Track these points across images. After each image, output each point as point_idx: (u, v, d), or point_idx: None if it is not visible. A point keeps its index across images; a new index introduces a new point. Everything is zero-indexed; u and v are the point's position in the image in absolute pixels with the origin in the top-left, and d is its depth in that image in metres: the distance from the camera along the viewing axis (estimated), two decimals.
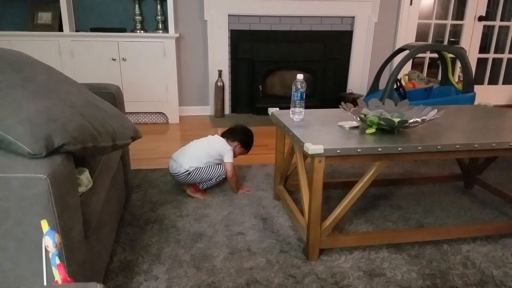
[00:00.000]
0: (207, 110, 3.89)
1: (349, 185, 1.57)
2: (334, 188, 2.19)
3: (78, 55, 3.27)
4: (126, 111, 2.01)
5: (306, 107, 1.79)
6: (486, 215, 1.98)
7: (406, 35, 4.02)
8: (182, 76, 3.74)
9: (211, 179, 2.11)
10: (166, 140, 3.13)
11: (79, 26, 3.46)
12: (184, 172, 2.06)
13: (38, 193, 0.88)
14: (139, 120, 3.56)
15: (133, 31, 3.43)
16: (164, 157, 2.72)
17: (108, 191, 1.48)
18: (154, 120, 3.61)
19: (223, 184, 2.26)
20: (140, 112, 3.53)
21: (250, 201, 2.07)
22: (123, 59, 3.32)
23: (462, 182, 2.32)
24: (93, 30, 3.34)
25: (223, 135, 2.24)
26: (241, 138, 2.22)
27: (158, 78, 3.45)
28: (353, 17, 3.87)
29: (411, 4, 3.95)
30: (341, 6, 3.78)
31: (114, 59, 3.31)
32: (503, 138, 1.58)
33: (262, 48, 3.83)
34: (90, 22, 3.46)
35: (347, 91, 4.05)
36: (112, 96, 1.80)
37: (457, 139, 1.55)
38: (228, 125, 3.56)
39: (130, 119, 3.44)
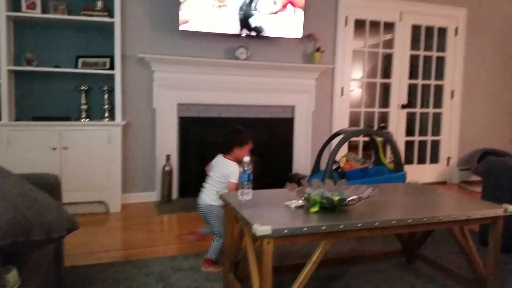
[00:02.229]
0: (153, 196, 3.82)
1: (301, 268, 1.58)
2: (287, 272, 2.17)
3: (16, 144, 3.15)
4: (64, 201, 1.92)
5: (256, 188, 1.85)
6: None
7: (341, 121, 4.38)
8: (128, 162, 3.71)
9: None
10: (105, 232, 2.97)
11: (21, 115, 3.39)
12: (206, 206, 2.21)
13: None
14: (78, 211, 3.39)
15: (77, 119, 3.43)
16: (103, 250, 2.57)
17: None
18: (94, 210, 3.44)
19: (169, 277, 2.16)
20: (79, 202, 3.38)
21: None
22: (64, 148, 3.25)
23: (403, 258, 2.41)
24: (34, 119, 3.29)
25: (224, 153, 2.28)
26: (233, 142, 2.24)
27: (101, 166, 3.38)
28: (293, 106, 4.19)
29: (342, 95, 4.38)
30: (282, 97, 4.12)
31: (54, 148, 3.23)
32: (434, 213, 1.72)
33: (211, 133, 3.97)
34: (33, 111, 3.41)
35: (293, 172, 4.21)
36: (49, 186, 1.73)
37: (393, 215, 1.67)
38: (175, 211, 3.56)
39: (69, 209, 3.28)
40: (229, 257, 2.00)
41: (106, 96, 3.52)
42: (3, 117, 3.19)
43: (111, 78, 3.45)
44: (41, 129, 3.21)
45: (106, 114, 3.52)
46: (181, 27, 3.58)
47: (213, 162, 2.30)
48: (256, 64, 3.88)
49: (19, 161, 3.13)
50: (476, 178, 4.74)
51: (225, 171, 2.18)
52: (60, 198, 1.86)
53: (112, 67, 3.46)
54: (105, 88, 3.50)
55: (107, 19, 3.35)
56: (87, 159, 3.33)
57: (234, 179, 2.13)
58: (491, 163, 2.70)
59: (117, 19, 3.36)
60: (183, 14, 3.55)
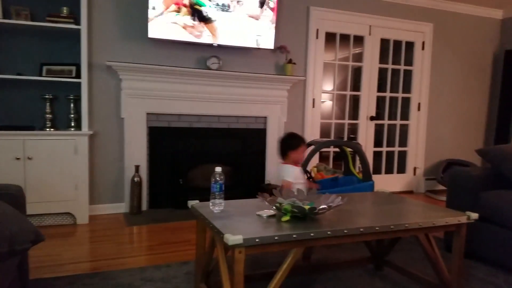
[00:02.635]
0: (122, 207, 3.73)
1: (272, 276, 1.58)
2: (258, 281, 2.15)
3: None
4: (28, 213, 1.85)
5: (229, 198, 1.84)
6: None
7: (312, 132, 4.45)
8: (95, 173, 3.62)
9: None
10: (72, 244, 2.87)
11: None
12: None
13: None
14: (43, 222, 3.27)
15: (42, 129, 3.32)
16: (70, 262, 2.49)
17: None
18: (60, 222, 3.33)
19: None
20: (45, 214, 3.26)
21: None
22: (28, 158, 3.14)
23: (372, 265, 2.45)
24: None
25: (282, 160, 2.44)
26: (286, 147, 2.33)
27: (67, 177, 3.28)
28: (265, 117, 4.22)
29: (313, 106, 4.46)
30: (254, 108, 4.14)
31: (18, 158, 3.11)
32: (400, 220, 1.77)
33: (183, 144, 3.93)
34: None
35: (265, 182, 4.23)
36: (12, 197, 1.67)
37: (361, 223, 1.70)
38: (145, 222, 3.50)
39: (34, 221, 3.16)
40: (201, 267, 1.98)
41: (72, 105, 3.43)
42: None
43: (77, 86, 3.36)
44: (4, 139, 3.08)
45: (73, 124, 3.43)
46: (151, 35, 3.55)
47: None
48: (228, 74, 3.88)
49: None
50: (441, 187, 4.90)
51: (282, 174, 2.30)
52: (24, 210, 1.79)
53: (78, 75, 3.37)
54: (71, 96, 3.41)
55: (73, 26, 3.28)
56: (53, 170, 3.23)
57: (288, 177, 2.24)
58: (455, 173, 2.81)
59: (83, 26, 3.29)
60: (152, 22, 3.52)
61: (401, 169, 5.06)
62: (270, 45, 3.97)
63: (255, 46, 3.93)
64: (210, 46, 3.82)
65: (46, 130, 3.31)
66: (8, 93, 3.37)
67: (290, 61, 4.15)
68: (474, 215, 1.89)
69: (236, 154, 4.17)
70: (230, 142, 4.13)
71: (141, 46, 3.68)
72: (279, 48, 4.10)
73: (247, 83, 4.02)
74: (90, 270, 2.37)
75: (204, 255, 1.97)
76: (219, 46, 3.83)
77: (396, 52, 4.84)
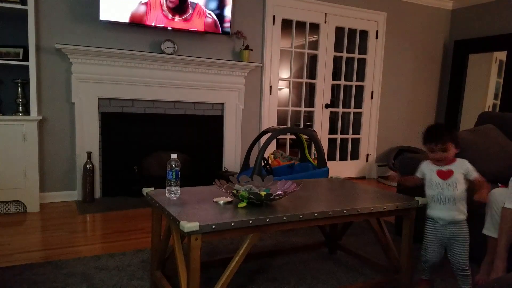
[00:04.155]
0: (74, 195, 3.62)
1: (229, 262, 1.61)
2: (215, 267, 2.19)
3: None
4: None
5: (186, 186, 1.84)
6: (350, 277, 2.20)
7: (269, 119, 4.50)
8: (45, 160, 3.48)
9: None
10: (23, 233, 2.78)
11: None
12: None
13: None
14: None
15: None
16: (20, 252, 2.40)
17: None
18: (9, 210, 3.19)
19: (93, 277, 2.08)
20: None
21: None
22: None
23: (326, 248, 2.56)
24: None
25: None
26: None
27: (16, 164, 3.14)
28: (222, 104, 4.20)
29: (270, 94, 4.50)
30: (211, 94, 4.11)
31: None
32: (352, 205, 1.85)
33: (137, 130, 3.84)
34: None
35: (223, 169, 4.23)
36: None
37: (316, 208, 1.76)
38: (98, 210, 3.41)
39: None
40: (156, 255, 1.97)
41: (20, 89, 3.25)
42: None
43: (25, 69, 3.19)
44: None
45: (20, 109, 3.26)
46: (102, 17, 3.41)
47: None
48: (183, 59, 3.82)
49: None
50: (392, 173, 5.14)
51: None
52: None
53: (26, 58, 3.20)
54: (19, 80, 3.23)
55: (19, 6, 3.09)
56: (0, 156, 3.06)
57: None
58: (405, 159, 2.94)
59: (30, 7, 3.11)
60: (104, 3, 3.38)
61: (355, 156, 5.24)
62: (226, 30, 3.94)
63: (210, 30, 3.87)
64: (165, 29, 3.73)
65: None
66: None
67: (246, 47, 4.14)
68: (423, 200, 1.99)
69: (193, 141, 4.14)
70: (186, 128, 4.08)
71: (92, 28, 3.54)
72: (236, 33, 4.08)
73: (204, 68, 3.98)
74: (42, 260, 2.29)
75: (159, 243, 1.96)
76: (174, 29, 3.75)
77: (351, 40, 4.95)
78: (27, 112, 3.26)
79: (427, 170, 2.02)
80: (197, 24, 3.80)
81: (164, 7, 3.63)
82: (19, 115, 3.23)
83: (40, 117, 3.29)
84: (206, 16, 3.83)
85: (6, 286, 1.94)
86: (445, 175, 1.94)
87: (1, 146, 3.07)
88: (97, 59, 3.53)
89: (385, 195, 2.15)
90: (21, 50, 3.25)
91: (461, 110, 5.30)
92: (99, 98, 3.62)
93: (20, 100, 3.25)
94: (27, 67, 3.17)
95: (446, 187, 1.92)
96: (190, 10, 3.74)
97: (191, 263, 1.47)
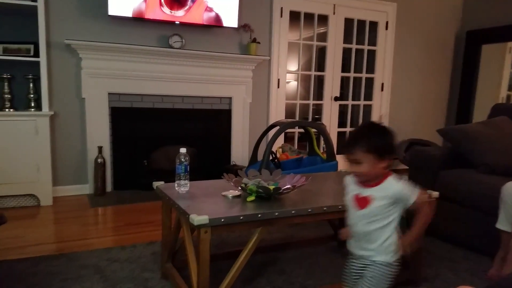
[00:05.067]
0: (86, 188, 3.67)
1: (238, 255, 1.63)
2: (224, 259, 2.21)
3: None
4: None
5: (194, 180, 1.86)
6: None
7: (277, 113, 4.49)
8: (57, 155, 3.52)
9: None
10: (37, 225, 2.83)
11: None
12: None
13: None
14: (6, 204, 3.18)
15: (1, 109, 3.18)
16: (33, 244, 2.45)
17: None
18: (23, 204, 3.25)
19: (105, 269, 2.12)
20: (7, 196, 3.17)
21: (135, 284, 1.97)
22: None
23: (335, 242, 2.56)
24: None
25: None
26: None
27: (29, 158, 3.19)
28: (230, 98, 4.21)
29: (278, 87, 4.49)
30: (219, 88, 4.11)
31: None
32: None
33: (146, 125, 3.87)
34: None
35: (231, 163, 4.25)
36: None
37: (325, 202, 1.77)
38: (110, 203, 3.46)
39: None
40: (167, 247, 2.00)
41: (31, 85, 3.30)
42: None
43: (36, 65, 3.23)
44: None
45: (32, 104, 3.30)
46: (111, 12, 3.43)
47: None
48: (191, 53, 3.82)
49: None
50: (403, 166, 5.06)
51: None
52: None
53: (36, 54, 3.24)
54: (30, 76, 3.27)
55: (29, 3, 3.12)
56: (14, 151, 3.12)
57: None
58: (416, 153, 2.92)
59: (40, 3, 3.14)
60: None
61: None
62: (234, 24, 3.92)
63: (218, 24, 3.87)
64: (172, 24, 3.73)
65: (5, 110, 3.18)
66: None
67: (254, 40, 4.13)
68: (435, 194, 1.94)
69: (201, 135, 4.17)
70: (194, 123, 4.10)
71: (101, 23, 3.55)
72: (243, 26, 4.06)
73: (211, 62, 3.98)
74: (55, 252, 2.34)
75: (170, 236, 1.99)
76: (182, 24, 3.75)
77: (360, 32, 4.89)
78: (38, 107, 3.31)
79: (350, 189, 1.44)
80: (203, 18, 3.79)
81: (169, 0, 3.62)
82: (31, 110, 3.27)
83: (52, 112, 3.33)
84: (213, 9, 3.81)
85: (22, 277, 1.99)
86: (361, 203, 1.37)
87: (14, 141, 3.12)
88: (106, 54, 3.55)
89: None
90: (31, 46, 3.29)
91: (473, 102, 5.22)
92: (108, 93, 3.65)
93: (32, 95, 3.30)
94: (38, 63, 3.21)
95: (359, 220, 1.38)
96: (191, 3, 3.72)
97: (201, 256, 1.49)
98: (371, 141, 1.33)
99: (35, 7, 3.14)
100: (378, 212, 1.34)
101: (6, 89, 3.22)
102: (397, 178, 1.36)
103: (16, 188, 3.18)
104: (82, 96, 3.56)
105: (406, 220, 2.73)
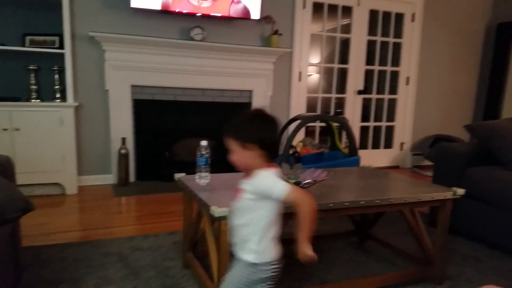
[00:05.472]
0: (110, 178, 3.74)
1: None
2: None
3: None
4: (18, 183, 1.87)
5: (214, 172, 1.86)
6: (380, 267, 2.17)
7: (298, 107, 4.45)
8: (82, 145, 3.60)
9: None
10: (62, 213, 2.92)
11: None
12: None
13: None
14: (33, 192, 3.28)
15: (27, 100, 3.27)
16: (60, 231, 2.52)
17: None
18: (50, 192, 3.35)
19: (128, 257, 2.16)
20: (34, 184, 3.27)
21: (157, 272, 2.00)
22: (15, 129, 3.11)
23: (356, 238, 2.53)
24: None
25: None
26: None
27: (55, 148, 3.27)
28: (250, 91, 4.19)
29: (299, 80, 4.44)
30: (239, 81, 4.10)
31: (5, 129, 3.08)
32: (386, 195, 1.81)
33: (167, 117, 3.91)
34: None
35: None
36: (1, 167, 1.68)
37: (346, 198, 1.74)
38: (133, 193, 3.52)
39: (24, 191, 3.14)
40: (188, 237, 2.02)
41: (56, 76, 3.37)
42: None
43: (61, 57, 3.29)
44: None
45: (58, 95, 3.38)
46: (133, 4, 3.45)
47: None
48: (212, 45, 3.82)
49: None
50: (428, 162, 4.95)
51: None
52: (13, 180, 1.80)
53: (61, 46, 3.30)
54: (55, 67, 3.35)
55: None
56: (40, 141, 3.21)
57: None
58: (442, 149, 2.84)
59: None
60: None
61: (388, 144, 5.12)
62: (256, 15, 3.89)
63: (239, 16, 3.84)
64: (194, 16, 3.73)
65: (31, 101, 3.27)
66: None
67: (275, 32, 4.08)
68: (460, 191, 1.89)
69: (221, 128, 4.13)
70: (214, 116, 4.10)
71: (124, 16, 3.59)
72: (265, 18, 4.02)
73: (232, 55, 3.97)
74: (80, 239, 2.40)
75: (190, 226, 2.01)
76: (203, 16, 3.75)
77: (385, 24, 4.79)
78: (64, 98, 3.38)
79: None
80: (225, 10, 3.77)
81: None
82: (57, 101, 3.35)
83: (77, 103, 3.40)
84: (240, 1, 3.79)
85: (49, 262, 2.05)
86: (236, 194, 1.31)
87: (40, 131, 3.20)
88: (128, 46, 3.59)
89: (420, 184, 2.09)
90: (56, 38, 3.35)
91: (503, 97, 5.05)
92: (131, 86, 3.70)
93: (57, 87, 3.38)
94: (62, 54, 3.28)
95: (233, 212, 1.32)
96: None
97: (221, 246, 1.49)
98: (238, 129, 1.28)
99: (60, 0, 3.19)
100: (246, 207, 1.25)
101: (33, 81, 3.30)
102: (272, 172, 1.24)
103: (43, 177, 3.28)
104: (106, 88, 3.62)
105: (430, 217, 2.67)
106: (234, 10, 3.79)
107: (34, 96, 3.30)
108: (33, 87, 3.30)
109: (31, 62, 3.30)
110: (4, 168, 1.68)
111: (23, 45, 3.27)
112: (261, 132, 1.26)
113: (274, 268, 1.28)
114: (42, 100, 3.34)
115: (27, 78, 3.30)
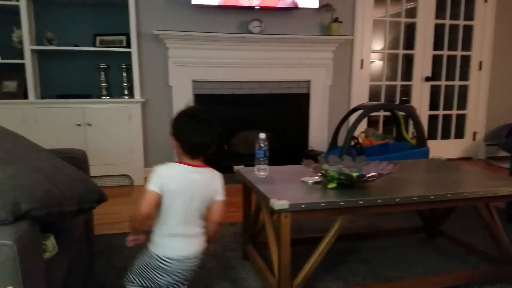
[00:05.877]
0: None
1: (317, 241, 1.60)
2: (303, 245, 2.18)
3: (42, 122, 3.26)
4: (91, 174, 2.01)
5: (272, 165, 1.85)
6: (451, 265, 2.04)
7: (360, 96, 4.29)
8: (148, 138, 3.77)
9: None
10: (131, 203, 3.08)
11: (45, 94, 3.48)
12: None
13: (4, 260, 0.86)
14: (104, 183, 3.50)
15: (98, 97, 3.49)
16: (128, 220, 2.65)
17: (72, 257, 1.44)
18: (119, 183, 3.56)
19: None
20: (105, 175, 3.49)
21: (218, 262, 2.04)
22: (88, 124, 3.33)
23: (424, 234, 2.39)
24: (58, 97, 3.37)
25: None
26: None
27: (124, 141, 3.46)
28: (308, 81, 4.11)
29: (361, 68, 4.27)
30: (297, 71, 4.03)
31: (79, 125, 3.32)
32: (458, 189, 1.69)
33: (226, 110, 3.96)
34: (55, 89, 3.50)
35: (309, 148, 4.19)
36: (77, 160, 1.80)
37: (415, 192, 1.64)
38: None
39: (95, 182, 3.38)
40: (247, 229, 2.03)
41: (124, 74, 3.55)
42: (29, 95, 3.28)
43: (128, 55, 3.47)
44: (65, 106, 3.30)
45: (126, 92, 3.57)
46: (194, 1, 3.53)
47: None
48: (270, 37, 3.79)
49: (46, 137, 3.21)
50: (504, 153, 4.58)
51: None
52: (88, 172, 1.93)
53: (128, 44, 3.47)
54: (123, 66, 3.53)
55: None
56: (110, 135, 3.41)
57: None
58: None
59: None
60: None
61: (459, 134, 4.80)
62: (315, 4, 3.80)
63: (298, 5, 3.76)
64: (251, 9, 3.72)
65: (102, 98, 3.48)
66: (66, 63, 3.56)
67: (336, 20, 3.95)
68: None
69: (278, 120, 4.14)
70: (272, 107, 4.09)
71: (185, 13, 3.68)
72: (324, 6, 3.91)
73: (290, 46, 3.90)
74: (146, 228, 2.51)
75: (250, 218, 2.02)
76: (261, 8, 3.73)
77: (455, 5, 4.46)
78: (131, 95, 3.56)
79: None
80: (277, 2, 3.72)
81: None
82: (125, 97, 3.54)
83: (143, 99, 3.56)
84: None
85: (119, 249, 2.17)
86: None
87: (110, 126, 3.41)
88: (189, 43, 3.67)
89: (496, 178, 1.92)
90: (124, 38, 3.53)
91: None
92: (192, 81, 3.79)
93: (125, 84, 3.56)
94: (129, 53, 3.45)
95: None
96: None
97: (281, 240, 1.48)
98: (172, 120, 1.44)
99: (126, 0, 3.34)
100: None
101: (103, 78, 3.51)
102: (163, 167, 1.46)
103: (112, 168, 3.49)
104: (169, 84, 3.75)
105: (508, 214, 2.46)
106: (291, 1, 3.73)
107: (104, 93, 3.51)
108: (103, 84, 3.51)
109: (101, 61, 3.51)
110: (79, 161, 1.81)
111: (94, 45, 3.49)
112: (174, 126, 1.45)
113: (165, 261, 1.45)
114: (112, 97, 3.54)
115: (98, 76, 3.52)
